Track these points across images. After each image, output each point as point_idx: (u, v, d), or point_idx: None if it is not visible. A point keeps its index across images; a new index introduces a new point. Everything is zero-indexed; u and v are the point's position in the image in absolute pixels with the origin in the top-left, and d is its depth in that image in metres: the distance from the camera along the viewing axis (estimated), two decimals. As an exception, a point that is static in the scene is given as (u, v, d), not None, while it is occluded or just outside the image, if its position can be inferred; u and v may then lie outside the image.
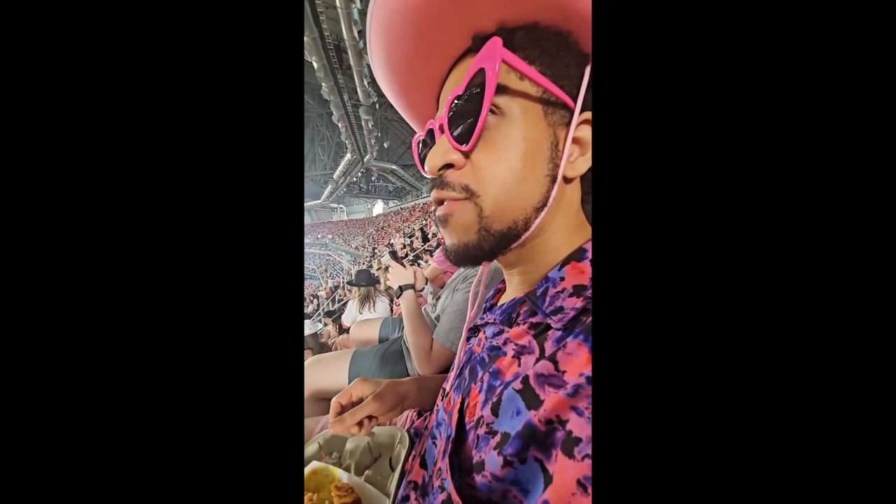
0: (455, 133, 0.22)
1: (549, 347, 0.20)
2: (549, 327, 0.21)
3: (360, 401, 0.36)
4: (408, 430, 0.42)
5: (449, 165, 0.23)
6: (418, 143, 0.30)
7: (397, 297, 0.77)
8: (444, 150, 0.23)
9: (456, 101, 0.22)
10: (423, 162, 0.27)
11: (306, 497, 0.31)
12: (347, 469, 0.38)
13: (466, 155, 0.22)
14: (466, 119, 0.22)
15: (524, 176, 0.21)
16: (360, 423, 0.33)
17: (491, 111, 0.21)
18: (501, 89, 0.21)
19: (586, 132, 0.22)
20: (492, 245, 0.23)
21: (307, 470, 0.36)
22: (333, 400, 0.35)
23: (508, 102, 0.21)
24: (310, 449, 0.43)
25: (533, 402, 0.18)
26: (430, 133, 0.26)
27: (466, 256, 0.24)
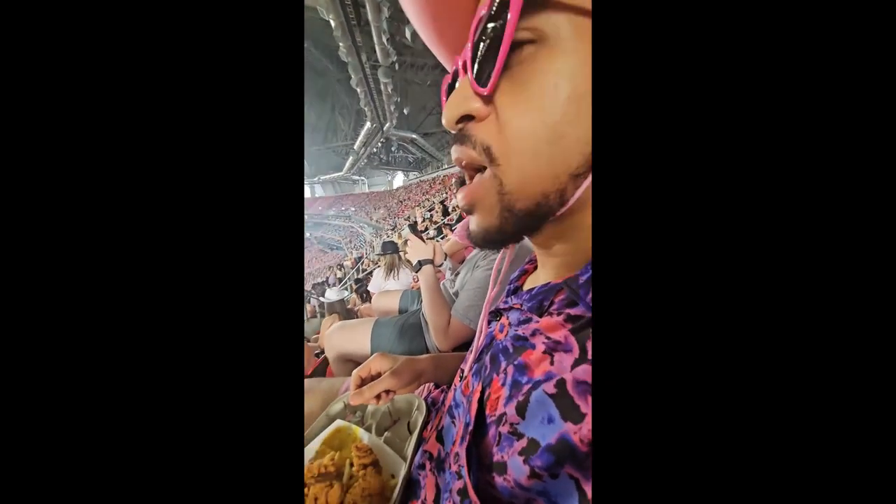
0: (477, 71, 0.17)
1: (592, 348, 0.17)
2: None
3: (379, 375, 0.36)
4: (425, 399, 0.44)
5: (469, 117, 0.18)
6: (447, 90, 0.23)
7: (415, 272, 0.77)
8: (462, 95, 0.18)
9: (481, 27, 0.16)
10: None
11: (328, 456, 0.33)
12: (369, 429, 0.41)
13: (488, 100, 0.17)
14: (491, 51, 0.16)
15: (561, 132, 0.16)
16: (377, 397, 0.34)
17: (523, 40, 0.15)
18: (538, 3, 0.15)
19: None
20: (516, 226, 0.18)
21: (331, 428, 0.39)
22: (354, 373, 0.37)
23: (550, 21, 0.15)
24: (336, 407, 0.46)
25: (571, 413, 0.15)
26: (457, 74, 0.20)
27: (488, 240, 0.20)
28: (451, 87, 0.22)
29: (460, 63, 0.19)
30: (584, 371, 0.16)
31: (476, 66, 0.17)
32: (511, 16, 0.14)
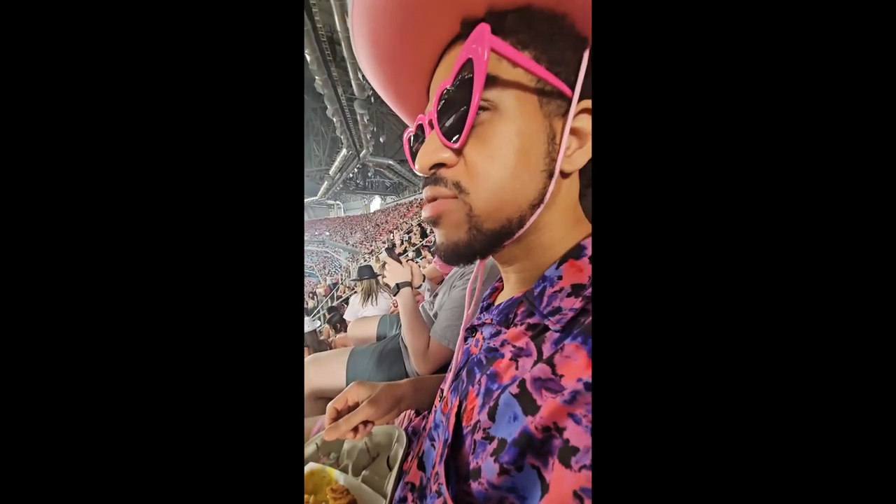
0: (445, 129, 0.21)
1: (546, 350, 0.19)
2: (546, 328, 0.20)
3: (357, 405, 0.35)
4: (405, 429, 0.42)
5: (441, 164, 0.22)
6: (409, 139, 0.29)
7: (393, 295, 0.77)
8: (433, 147, 0.22)
9: (445, 95, 0.21)
10: (414, 158, 0.26)
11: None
12: (345, 469, 0.38)
13: (458, 152, 0.21)
14: (456, 114, 0.21)
15: (518, 173, 0.20)
16: (355, 429, 0.33)
17: (481, 106, 0.20)
18: (492, 80, 0.20)
19: (585, 122, 0.21)
20: (483, 244, 0.22)
21: (304, 472, 0.36)
22: (329, 405, 0.35)
23: (500, 94, 0.20)
24: (307, 450, 0.42)
25: (530, 407, 0.17)
26: (421, 128, 0.25)
27: (456, 254, 0.23)
28: (414, 138, 0.28)
29: (426, 121, 0.24)
30: (540, 369, 0.18)
31: (443, 126, 0.22)
32: (476, 90, 0.19)
